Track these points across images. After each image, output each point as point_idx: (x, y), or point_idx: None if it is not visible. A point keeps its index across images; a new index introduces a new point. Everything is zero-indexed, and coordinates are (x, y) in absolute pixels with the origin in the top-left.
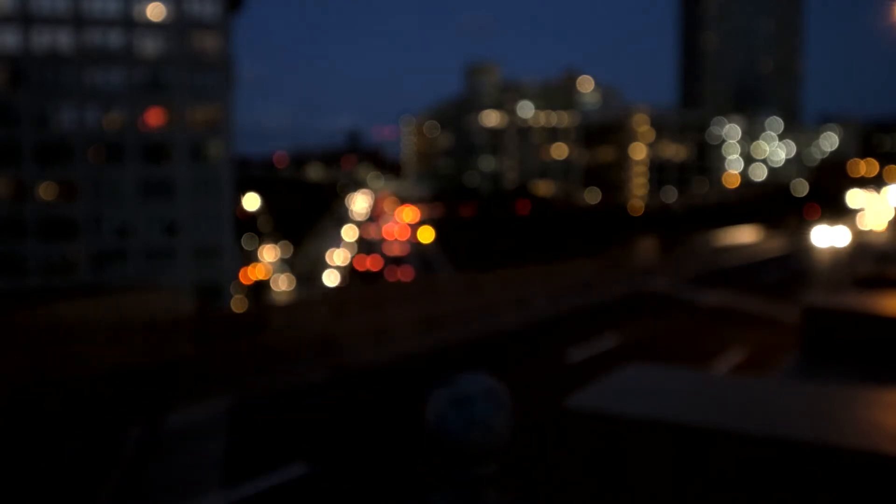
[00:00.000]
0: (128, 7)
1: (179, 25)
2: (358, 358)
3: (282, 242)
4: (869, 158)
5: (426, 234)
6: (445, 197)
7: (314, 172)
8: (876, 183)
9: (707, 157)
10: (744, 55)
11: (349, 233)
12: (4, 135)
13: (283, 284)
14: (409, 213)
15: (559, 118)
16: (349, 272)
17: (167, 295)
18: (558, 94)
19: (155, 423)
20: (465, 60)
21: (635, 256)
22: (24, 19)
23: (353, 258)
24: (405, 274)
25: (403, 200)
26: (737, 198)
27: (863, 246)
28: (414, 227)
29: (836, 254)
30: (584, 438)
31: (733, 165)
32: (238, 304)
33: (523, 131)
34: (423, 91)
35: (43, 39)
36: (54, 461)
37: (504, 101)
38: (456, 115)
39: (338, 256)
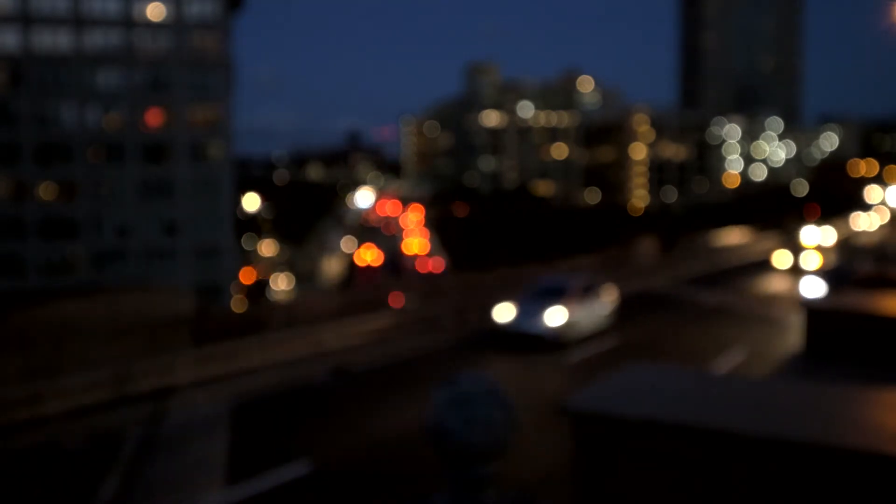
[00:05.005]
0: (128, 7)
1: (179, 25)
2: (358, 358)
3: (282, 242)
4: (869, 158)
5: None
6: (445, 197)
7: (314, 172)
8: (876, 183)
9: (707, 157)
10: (744, 55)
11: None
12: (4, 135)
13: (282, 284)
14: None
15: (559, 118)
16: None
17: (167, 295)
18: (558, 95)
19: (155, 423)
20: (465, 61)
21: (635, 256)
22: (24, 19)
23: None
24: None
25: (403, 201)
26: (737, 198)
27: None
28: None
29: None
30: (584, 438)
31: (733, 165)
32: (238, 304)
33: (523, 131)
34: (423, 91)
35: (43, 39)
36: (55, 460)
37: (504, 101)
38: (456, 115)
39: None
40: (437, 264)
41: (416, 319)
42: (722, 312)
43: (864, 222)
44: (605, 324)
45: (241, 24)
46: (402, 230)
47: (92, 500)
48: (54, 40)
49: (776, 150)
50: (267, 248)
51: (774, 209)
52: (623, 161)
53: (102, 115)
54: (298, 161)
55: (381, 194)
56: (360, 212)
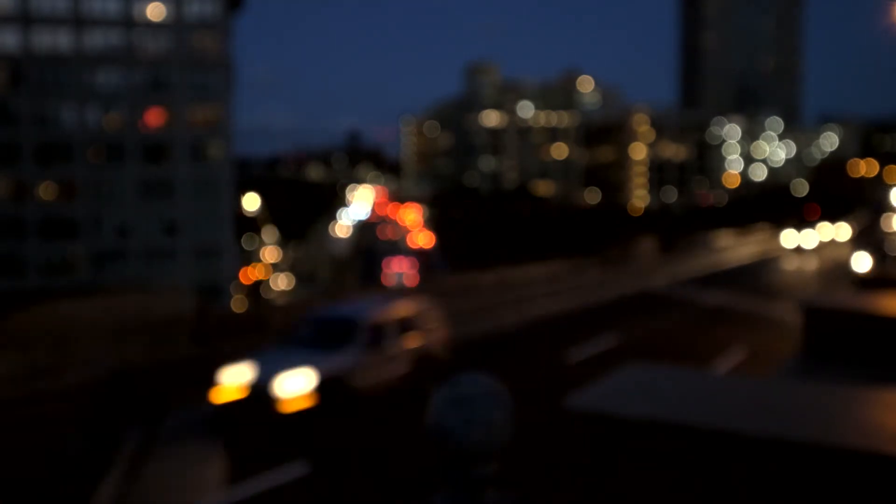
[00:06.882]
0: (128, 7)
1: (179, 25)
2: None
3: (282, 242)
4: (869, 158)
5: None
6: (445, 197)
7: (314, 172)
8: (876, 183)
9: (707, 157)
10: (744, 55)
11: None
12: (4, 135)
13: (282, 284)
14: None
15: (559, 118)
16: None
17: (167, 295)
18: (558, 94)
19: (155, 423)
20: (465, 60)
21: (635, 256)
22: (24, 19)
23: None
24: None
25: (402, 201)
26: (736, 198)
27: None
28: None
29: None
30: (584, 438)
31: (733, 165)
32: (238, 304)
33: (523, 131)
34: (423, 91)
35: (43, 39)
36: (54, 459)
37: (504, 101)
38: (456, 115)
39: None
40: (427, 241)
41: None
42: (722, 312)
43: (801, 238)
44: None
45: (241, 24)
46: (402, 227)
47: (92, 499)
48: (54, 40)
49: (776, 150)
50: (267, 248)
51: (774, 209)
52: (623, 161)
53: (102, 115)
54: (298, 161)
55: (379, 194)
56: (358, 215)
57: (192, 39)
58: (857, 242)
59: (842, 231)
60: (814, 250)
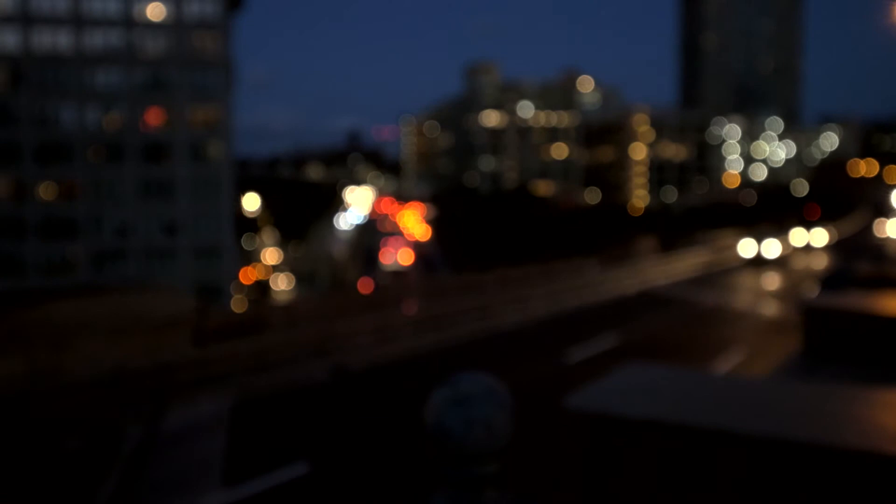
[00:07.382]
0: (128, 7)
1: (179, 25)
2: (358, 357)
3: (282, 242)
4: (869, 158)
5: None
6: (445, 197)
7: (314, 172)
8: (876, 183)
9: (707, 157)
10: (744, 55)
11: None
12: (4, 135)
13: (282, 284)
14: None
15: (559, 118)
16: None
17: (167, 295)
18: (558, 94)
19: (155, 423)
20: (465, 60)
21: (635, 256)
22: (24, 19)
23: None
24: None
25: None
26: (736, 198)
27: None
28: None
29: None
30: (584, 438)
31: (733, 165)
32: (238, 304)
33: (523, 131)
34: (423, 91)
35: (43, 39)
36: (55, 460)
37: (504, 101)
38: (456, 115)
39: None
40: (424, 233)
41: None
42: (722, 312)
43: (764, 246)
44: None
45: (241, 24)
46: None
47: (92, 499)
48: (54, 40)
49: (776, 150)
50: (267, 248)
51: (774, 209)
52: (623, 161)
53: (102, 115)
54: (298, 161)
55: (378, 194)
56: (357, 216)
57: (191, 39)
58: (837, 250)
59: (817, 237)
60: (776, 261)
